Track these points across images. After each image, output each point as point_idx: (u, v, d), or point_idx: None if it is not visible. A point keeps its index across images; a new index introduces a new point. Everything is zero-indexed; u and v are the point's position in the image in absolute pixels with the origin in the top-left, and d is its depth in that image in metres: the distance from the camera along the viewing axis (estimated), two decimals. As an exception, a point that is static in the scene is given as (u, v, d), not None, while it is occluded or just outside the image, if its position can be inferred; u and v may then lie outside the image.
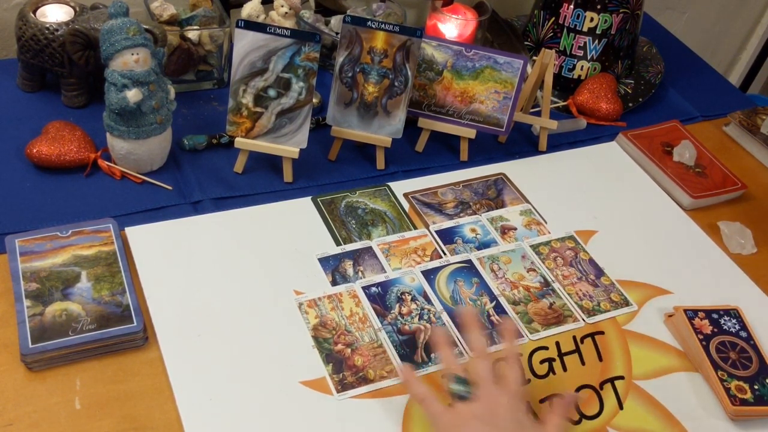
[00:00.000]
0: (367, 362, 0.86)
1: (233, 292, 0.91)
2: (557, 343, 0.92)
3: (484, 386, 0.76)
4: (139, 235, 0.95)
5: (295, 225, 1.01)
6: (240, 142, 1.04)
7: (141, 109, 0.96)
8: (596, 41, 1.29)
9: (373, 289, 0.94)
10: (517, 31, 1.39)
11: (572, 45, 1.30)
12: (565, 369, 0.90)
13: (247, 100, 1.01)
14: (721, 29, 2.04)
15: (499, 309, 0.94)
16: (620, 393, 0.88)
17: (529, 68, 1.16)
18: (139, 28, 0.95)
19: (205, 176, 1.05)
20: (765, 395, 0.87)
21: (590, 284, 1.00)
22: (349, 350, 0.87)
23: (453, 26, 1.24)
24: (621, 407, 0.87)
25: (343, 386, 0.83)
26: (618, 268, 1.02)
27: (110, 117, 0.98)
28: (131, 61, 0.94)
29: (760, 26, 2.09)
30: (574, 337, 0.93)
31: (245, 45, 0.99)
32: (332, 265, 0.96)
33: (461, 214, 1.07)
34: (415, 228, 1.04)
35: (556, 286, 0.99)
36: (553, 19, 1.30)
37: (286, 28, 0.99)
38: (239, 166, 1.06)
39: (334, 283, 0.94)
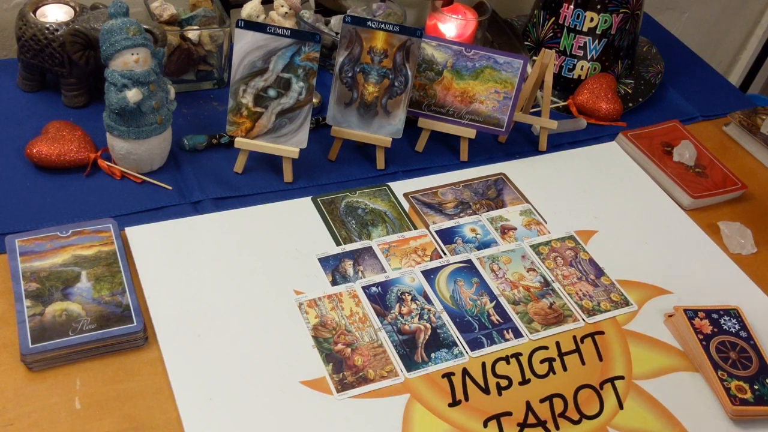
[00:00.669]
0: (367, 362, 0.86)
1: (233, 292, 0.91)
2: (557, 343, 0.92)
3: None
4: (139, 235, 0.95)
5: (295, 225, 1.01)
6: (240, 142, 1.04)
7: (141, 109, 0.96)
8: (596, 41, 1.29)
9: (373, 289, 0.94)
10: (517, 31, 1.39)
11: (572, 45, 1.30)
12: (565, 369, 0.90)
13: (247, 100, 1.01)
14: (721, 29, 2.04)
15: (499, 309, 0.94)
16: (620, 393, 0.88)
17: (529, 68, 1.16)
18: (139, 28, 0.95)
19: (205, 176, 1.05)
20: (765, 395, 0.87)
21: (590, 284, 1.00)
22: (349, 350, 0.87)
23: (453, 26, 1.24)
24: (621, 407, 0.87)
25: (343, 386, 0.83)
26: (618, 268, 1.02)
27: (110, 117, 0.98)
28: (131, 61, 0.94)
29: (760, 26, 2.09)
30: (574, 337, 0.93)
31: (245, 45, 0.99)
32: (332, 265, 0.96)
33: (461, 214, 1.07)
34: (415, 228, 1.04)
35: (556, 286, 0.99)
36: (553, 19, 1.30)
37: (286, 28, 0.99)
38: (239, 166, 1.06)
39: (334, 283, 0.94)
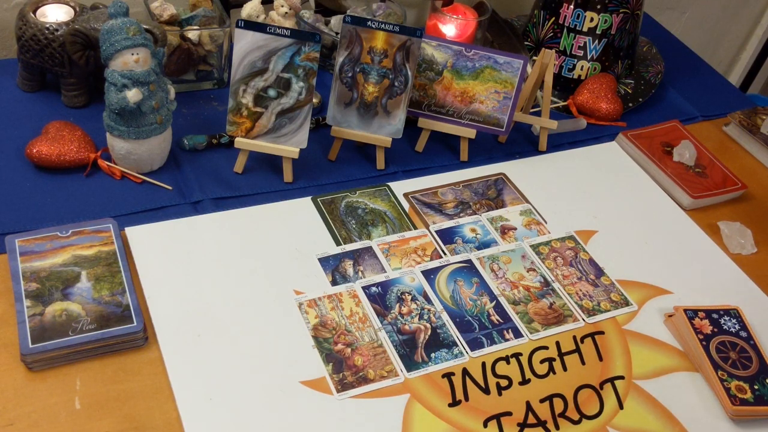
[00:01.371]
0: (367, 362, 0.86)
1: (233, 292, 0.91)
2: (557, 343, 0.92)
3: None
4: (139, 235, 0.95)
5: (295, 225, 1.01)
6: (240, 142, 1.04)
7: (141, 109, 0.96)
8: (596, 41, 1.29)
9: (373, 288, 0.94)
10: (517, 31, 1.39)
11: (572, 45, 1.30)
12: (565, 369, 0.90)
13: (247, 100, 1.01)
14: (721, 29, 2.04)
15: (499, 309, 0.94)
16: (620, 393, 0.88)
17: (529, 68, 1.16)
18: (139, 28, 0.95)
19: (205, 176, 1.05)
20: (765, 395, 0.87)
21: (590, 284, 1.00)
22: (349, 350, 0.87)
23: (453, 26, 1.24)
24: (621, 407, 0.87)
25: (343, 386, 0.83)
26: (618, 268, 1.02)
27: (110, 117, 0.98)
28: (131, 61, 0.94)
29: (760, 26, 2.09)
30: (574, 337, 0.93)
31: (245, 45, 0.99)
32: (332, 265, 0.96)
33: (461, 214, 1.07)
34: (415, 228, 1.04)
35: (556, 286, 0.99)
36: (553, 19, 1.30)
37: (286, 28, 0.99)
38: (239, 166, 1.06)
39: (334, 283, 0.94)
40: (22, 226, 0.93)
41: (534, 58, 1.33)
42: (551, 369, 0.89)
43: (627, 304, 0.98)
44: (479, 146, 1.18)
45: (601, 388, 0.88)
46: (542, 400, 0.86)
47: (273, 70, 1.00)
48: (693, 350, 0.92)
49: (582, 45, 1.29)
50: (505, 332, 0.92)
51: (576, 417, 0.85)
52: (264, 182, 1.06)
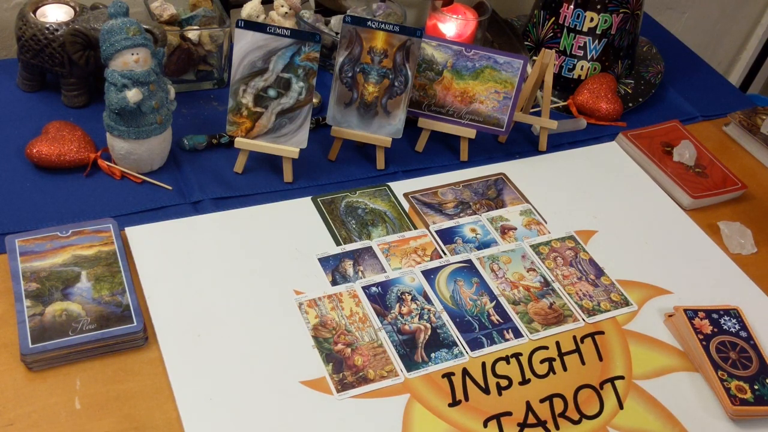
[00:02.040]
0: (367, 362, 0.86)
1: (233, 292, 0.91)
2: (557, 343, 0.92)
3: None
4: (139, 235, 0.95)
5: (295, 225, 1.01)
6: (240, 142, 1.04)
7: (141, 109, 0.96)
8: (596, 41, 1.29)
9: (373, 288, 0.94)
10: (517, 31, 1.39)
11: (572, 45, 1.30)
12: (565, 369, 0.90)
13: (247, 100, 1.01)
14: (721, 29, 2.04)
15: (499, 309, 0.94)
16: (620, 393, 0.88)
17: (529, 68, 1.16)
18: (139, 28, 0.95)
19: (205, 176, 1.05)
20: (765, 395, 0.87)
21: (590, 284, 1.00)
22: (349, 350, 0.87)
23: (453, 26, 1.24)
24: (621, 407, 0.87)
25: (343, 386, 0.83)
26: (618, 268, 1.02)
27: (110, 117, 0.98)
28: (131, 61, 0.94)
29: (760, 26, 2.09)
30: (574, 337, 0.93)
31: (245, 45, 0.99)
32: (332, 265, 0.96)
33: (461, 214, 1.07)
34: (415, 228, 1.04)
35: (556, 285, 0.99)
36: (553, 19, 1.30)
37: (286, 28, 0.99)
38: (239, 166, 1.06)
39: (334, 283, 0.94)
40: (22, 226, 0.93)
41: (534, 58, 1.33)
42: (551, 369, 0.89)
43: (627, 304, 0.98)
44: (479, 146, 1.18)
45: (601, 388, 0.88)
46: (542, 400, 0.86)
47: (273, 70, 1.00)
48: (693, 350, 0.92)
49: (582, 45, 1.29)
50: (505, 332, 0.92)
51: (576, 417, 0.85)
52: (264, 182, 1.06)
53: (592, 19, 1.27)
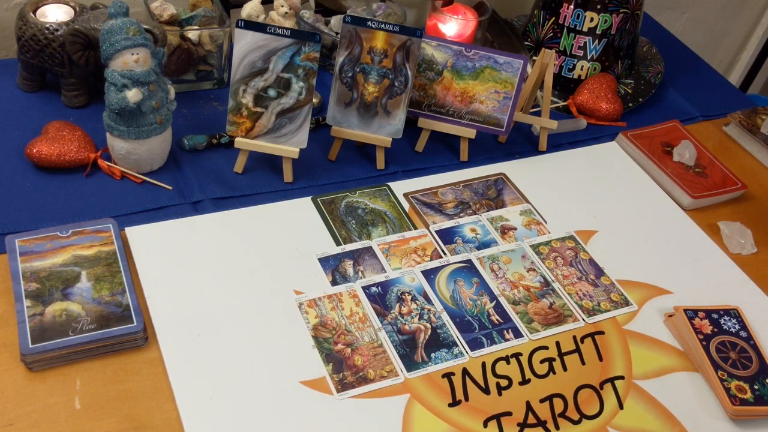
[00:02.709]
0: (367, 362, 0.86)
1: (233, 292, 0.91)
2: (557, 343, 0.92)
3: None
4: (139, 235, 0.95)
5: (295, 225, 1.01)
6: (240, 142, 1.04)
7: (141, 109, 0.96)
8: (596, 41, 1.29)
9: (373, 288, 0.94)
10: (517, 31, 1.39)
11: (572, 45, 1.30)
12: (565, 369, 0.90)
13: (247, 100, 1.01)
14: (721, 29, 2.04)
15: (499, 309, 0.94)
16: (620, 393, 0.88)
17: (529, 68, 1.16)
18: (139, 28, 0.95)
19: (205, 176, 1.05)
20: (765, 395, 0.87)
21: (590, 284, 1.00)
22: (349, 350, 0.87)
23: (453, 26, 1.24)
24: (621, 407, 0.87)
25: (343, 386, 0.83)
26: (618, 268, 1.02)
27: (110, 117, 0.98)
28: (131, 61, 0.94)
29: (760, 26, 2.09)
30: (574, 337, 0.93)
31: (245, 45, 0.99)
32: (332, 265, 0.96)
33: (461, 214, 1.07)
34: (415, 228, 1.04)
35: (556, 285, 0.99)
36: (553, 19, 1.30)
37: (286, 28, 0.99)
38: (239, 166, 1.06)
39: (334, 283, 0.94)
40: (22, 226, 0.93)
41: (534, 58, 1.33)
42: (551, 369, 0.89)
43: (627, 304, 0.98)
44: (479, 146, 1.18)
45: (601, 388, 0.88)
46: (542, 400, 0.86)
47: (273, 70, 1.00)
48: (693, 350, 0.92)
49: (582, 45, 1.29)
50: (505, 332, 0.92)
51: (576, 417, 0.85)
52: (264, 182, 1.06)
53: (592, 19, 1.27)
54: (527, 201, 1.11)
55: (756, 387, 0.88)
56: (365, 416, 0.81)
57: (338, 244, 0.99)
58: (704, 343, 0.92)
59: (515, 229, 1.06)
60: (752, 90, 2.21)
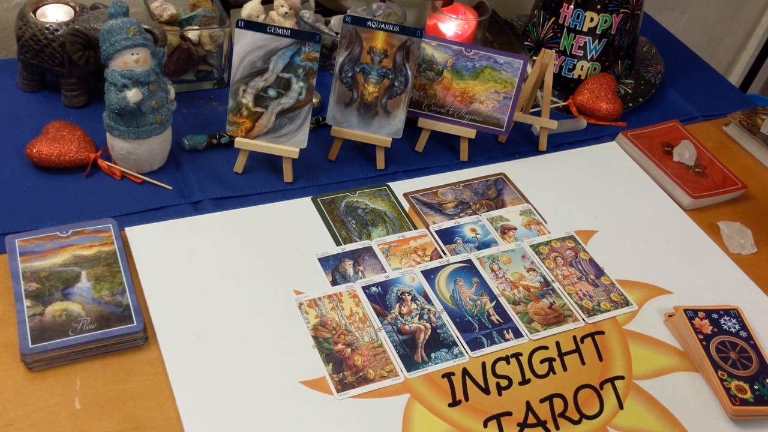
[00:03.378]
0: (367, 362, 0.86)
1: (233, 292, 0.91)
2: (557, 343, 0.92)
3: None
4: (139, 235, 0.95)
5: (295, 225, 1.01)
6: (240, 142, 1.04)
7: (141, 109, 0.96)
8: (596, 41, 1.29)
9: (373, 288, 0.94)
10: (517, 31, 1.39)
11: (572, 45, 1.30)
12: (565, 369, 0.90)
13: (247, 100, 1.01)
14: (721, 29, 2.04)
15: (499, 309, 0.94)
16: (620, 393, 0.88)
17: (529, 68, 1.16)
18: (139, 28, 0.95)
19: (205, 176, 1.05)
20: (765, 395, 0.87)
21: (590, 284, 1.00)
22: (349, 350, 0.87)
23: (453, 26, 1.24)
24: (621, 407, 0.87)
25: (343, 386, 0.83)
26: (618, 268, 1.02)
27: (110, 117, 0.98)
28: (131, 61, 0.94)
29: (760, 26, 2.09)
30: (574, 337, 0.93)
31: (245, 45, 0.99)
32: (332, 265, 0.96)
33: (461, 214, 1.07)
34: (415, 228, 1.04)
35: (556, 285, 0.99)
36: (553, 19, 1.30)
37: (286, 28, 0.99)
38: (239, 166, 1.06)
39: (334, 283, 0.94)
40: (22, 226, 0.93)
41: (534, 58, 1.33)
42: (551, 369, 0.89)
43: (627, 304, 0.98)
44: (479, 146, 1.18)
45: (601, 388, 0.88)
46: (542, 400, 0.86)
47: (273, 70, 1.00)
48: (693, 350, 0.92)
49: (582, 45, 1.29)
50: (505, 332, 0.92)
51: (576, 417, 0.85)
52: (264, 182, 1.06)
53: (592, 19, 1.27)
54: (527, 201, 1.11)
55: (756, 387, 0.88)
56: (365, 416, 0.81)
57: (338, 244, 0.99)
58: (704, 343, 0.92)
59: (515, 229, 1.06)
60: (752, 90, 2.21)
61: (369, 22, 1.03)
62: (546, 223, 1.08)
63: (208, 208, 1.01)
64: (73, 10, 1.09)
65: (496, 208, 1.09)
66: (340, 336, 0.88)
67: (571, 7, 1.27)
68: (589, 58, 1.30)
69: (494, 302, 0.95)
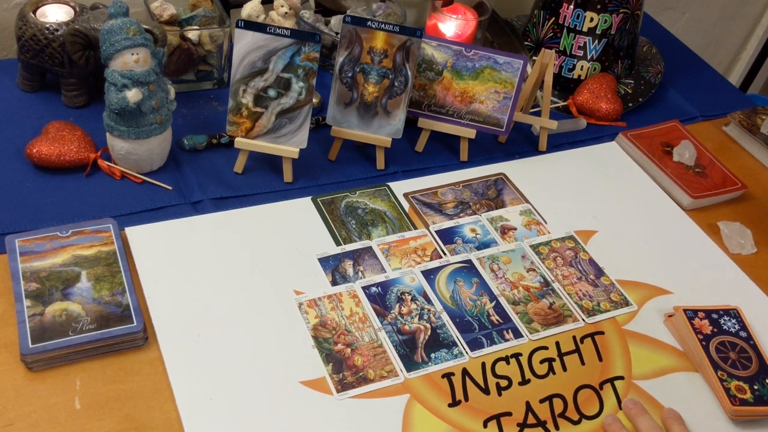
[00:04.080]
0: (367, 362, 0.86)
1: (233, 292, 0.91)
2: (557, 343, 0.92)
3: None
4: (139, 235, 0.95)
5: (295, 225, 1.01)
6: (240, 142, 1.04)
7: (141, 109, 0.96)
8: (596, 41, 1.29)
9: (373, 289, 0.94)
10: (517, 31, 1.39)
11: (572, 45, 1.30)
12: (565, 369, 0.90)
13: (247, 100, 1.01)
14: (721, 29, 2.04)
15: (499, 309, 0.95)
16: (620, 393, 0.88)
17: (529, 68, 1.16)
18: (139, 28, 0.95)
19: (205, 176, 1.05)
20: (765, 395, 0.87)
21: (590, 284, 1.00)
22: (349, 350, 0.87)
23: (453, 26, 1.24)
24: (621, 407, 0.87)
25: (343, 386, 0.83)
26: (618, 268, 1.02)
27: (110, 117, 0.98)
28: (131, 61, 0.94)
29: (760, 26, 2.09)
30: (574, 337, 0.93)
31: (245, 45, 0.99)
32: (332, 265, 0.96)
33: (461, 214, 1.07)
34: (415, 228, 1.04)
35: (556, 286, 0.99)
36: (553, 19, 1.30)
37: (286, 28, 0.99)
38: (239, 166, 1.07)
39: (334, 283, 0.94)
40: (22, 226, 0.93)
41: (534, 58, 1.33)
42: (551, 369, 0.89)
43: (627, 304, 0.98)
44: (479, 146, 1.18)
45: (601, 389, 0.88)
46: (542, 401, 0.86)
47: (273, 70, 1.00)
48: (693, 350, 0.92)
49: (582, 45, 1.29)
50: (504, 332, 0.92)
51: (576, 417, 0.85)
52: (264, 182, 1.06)
53: (592, 19, 1.27)
54: (527, 201, 1.11)
55: (756, 387, 0.88)
56: (365, 416, 0.81)
57: (338, 244, 0.99)
58: (704, 343, 0.92)
59: (515, 229, 1.06)
60: (752, 90, 2.21)
61: (369, 22, 1.03)
62: (546, 223, 1.08)
63: (208, 208, 1.01)
64: (73, 10, 1.09)
65: (496, 208, 1.09)
66: (340, 336, 0.88)
67: (571, 7, 1.27)
68: (589, 58, 1.30)
69: (494, 302, 0.95)
